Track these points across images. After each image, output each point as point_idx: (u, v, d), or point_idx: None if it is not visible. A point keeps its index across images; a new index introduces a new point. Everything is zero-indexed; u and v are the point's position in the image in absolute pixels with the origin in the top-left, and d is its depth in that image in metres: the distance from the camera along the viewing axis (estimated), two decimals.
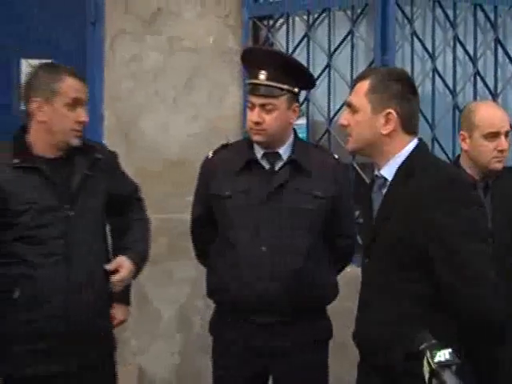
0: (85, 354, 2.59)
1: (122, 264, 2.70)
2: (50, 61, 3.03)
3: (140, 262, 2.80)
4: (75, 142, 2.61)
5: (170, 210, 4.17)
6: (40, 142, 2.60)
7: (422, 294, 2.10)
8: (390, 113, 2.18)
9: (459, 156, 3.05)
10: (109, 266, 2.67)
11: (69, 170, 2.61)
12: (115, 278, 2.65)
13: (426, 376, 1.65)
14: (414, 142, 2.22)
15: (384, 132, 2.19)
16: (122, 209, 2.89)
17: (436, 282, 2.07)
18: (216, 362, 2.88)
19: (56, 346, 2.53)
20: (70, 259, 2.55)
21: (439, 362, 1.63)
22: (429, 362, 1.64)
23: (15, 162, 2.53)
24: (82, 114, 2.60)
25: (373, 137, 2.20)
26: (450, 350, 1.65)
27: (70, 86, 2.56)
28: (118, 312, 3.10)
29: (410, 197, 2.12)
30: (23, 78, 4.40)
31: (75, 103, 2.58)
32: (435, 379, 1.62)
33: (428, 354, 1.66)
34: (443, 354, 1.64)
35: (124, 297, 3.09)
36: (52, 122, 2.56)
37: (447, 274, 2.05)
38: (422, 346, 1.70)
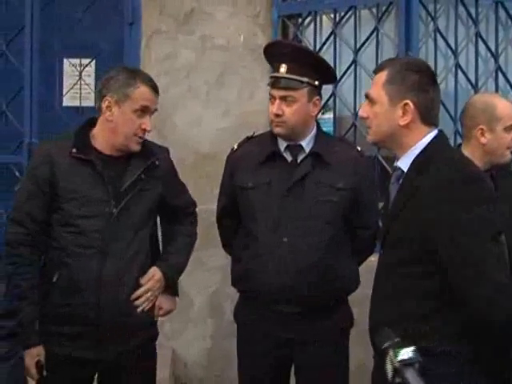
0: (118, 345, 2.61)
1: (154, 274, 2.73)
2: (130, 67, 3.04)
3: (172, 274, 2.81)
4: (135, 147, 2.62)
5: (201, 201, 4.17)
6: (102, 138, 2.64)
7: (430, 289, 2.04)
8: (407, 104, 2.12)
9: (460, 146, 2.98)
10: (143, 280, 2.69)
11: (123, 169, 2.62)
12: (140, 291, 2.67)
13: (389, 374, 1.62)
14: (432, 134, 2.16)
15: (402, 123, 2.13)
16: (171, 219, 2.88)
17: (443, 278, 2.01)
18: (240, 350, 2.88)
19: (88, 333, 2.56)
20: (105, 254, 2.56)
21: (402, 361, 1.60)
22: (391, 361, 1.61)
23: (73, 151, 2.58)
24: (146, 123, 2.61)
25: (391, 128, 2.15)
26: (412, 348, 1.62)
27: (142, 93, 2.58)
28: (164, 302, 3.09)
29: (421, 192, 2.06)
30: (64, 76, 4.67)
31: (143, 111, 2.59)
32: (398, 377, 1.60)
33: (391, 352, 1.63)
34: (406, 353, 1.61)
35: (171, 287, 3.08)
36: (117, 123, 2.58)
37: (450, 274, 1.99)
38: (385, 345, 1.66)
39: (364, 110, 2.23)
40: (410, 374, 1.59)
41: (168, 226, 2.92)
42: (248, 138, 2.94)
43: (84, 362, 2.61)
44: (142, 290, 2.69)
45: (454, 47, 4.08)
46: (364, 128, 3.97)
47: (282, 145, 2.78)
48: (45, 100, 4.57)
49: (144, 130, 2.62)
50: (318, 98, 2.76)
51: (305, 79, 2.69)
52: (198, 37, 4.43)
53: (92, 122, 2.70)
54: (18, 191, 2.74)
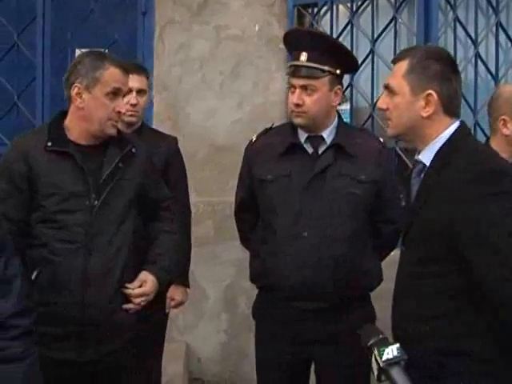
0: (103, 345, 2.50)
1: (146, 279, 2.60)
2: (100, 50, 2.98)
3: (163, 276, 2.67)
4: (111, 131, 2.51)
5: (216, 194, 4.19)
6: (76, 128, 2.52)
7: (453, 287, 1.98)
8: (430, 94, 2.04)
9: (488, 140, 2.89)
10: (131, 285, 2.56)
11: (101, 159, 2.52)
12: (136, 291, 2.55)
13: (375, 373, 1.62)
14: (454, 125, 2.09)
15: (424, 114, 2.06)
16: (150, 215, 2.75)
17: (469, 276, 1.94)
18: (259, 347, 2.81)
19: (73, 332, 2.46)
20: (89, 248, 2.46)
21: (387, 360, 1.59)
22: (377, 360, 1.61)
23: (48, 145, 2.47)
24: (120, 105, 2.50)
25: (413, 120, 2.07)
26: (397, 345, 1.61)
27: (112, 75, 2.47)
28: (175, 293, 3.14)
29: (444, 187, 1.99)
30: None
31: (115, 93, 2.48)
32: (384, 376, 1.59)
33: (376, 351, 1.62)
34: (391, 351, 1.61)
35: (182, 279, 3.10)
36: (89, 110, 2.47)
37: (481, 269, 1.92)
38: (370, 343, 1.65)
39: (383, 102, 2.15)
40: (396, 373, 1.58)
41: (147, 223, 2.78)
42: (267, 130, 2.85)
43: (68, 363, 2.49)
44: (136, 292, 2.56)
45: (473, 37, 4.01)
46: (381, 119, 3.98)
47: (303, 136, 2.69)
48: (57, 91, 4.49)
49: (119, 113, 2.52)
50: (339, 87, 2.67)
51: (326, 68, 2.59)
52: (213, 27, 4.37)
53: (64, 114, 2.58)
54: None
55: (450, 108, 2.10)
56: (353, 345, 2.61)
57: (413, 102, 2.08)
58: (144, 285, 2.59)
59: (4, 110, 4.62)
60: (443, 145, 2.07)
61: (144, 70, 3.23)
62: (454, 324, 1.99)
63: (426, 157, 2.10)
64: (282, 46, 4.21)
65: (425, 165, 2.11)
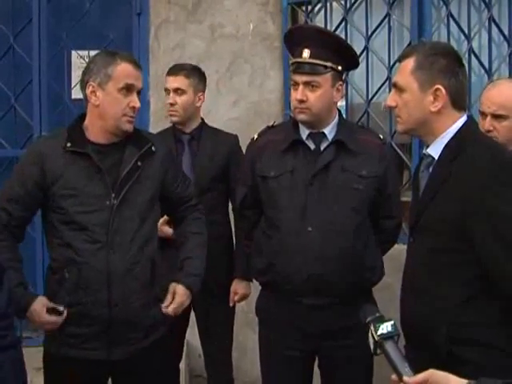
0: (131, 344, 2.47)
1: (175, 291, 2.57)
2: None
3: (192, 280, 2.63)
4: (127, 126, 2.46)
5: None
6: (93, 127, 2.48)
7: (465, 277, 1.96)
8: (438, 89, 2.03)
9: None
10: (166, 302, 2.55)
11: (119, 158, 2.48)
12: (170, 308, 2.54)
13: (372, 347, 1.72)
14: (462, 119, 2.08)
15: (433, 109, 2.04)
16: (176, 213, 2.73)
17: (481, 265, 1.93)
18: (263, 343, 2.76)
19: (102, 331, 2.42)
20: (111, 247, 2.41)
21: (381, 335, 1.69)
22: (373, 335, 1.71)
23: (68, 145, 2.43)
24: (134, 100, 2.45)
25: (422, 115, 2.06)
26: (392, 322, 1.71)
27: (123, 71, 2.42)
28: (240, 287, 3.26)
29: (455, 180, 1.97)
30: (73, 68, 4.50)
31: (128, 89, 2.44)
32: (379, 349, 1.70)
33: (372, 326, 1.71)
34: (385, 327, 1.70)
35: (244, 272, 3.19)
36: (104, 107, 2.43)
37: (495, 259, 1.91)
38: (368, 319, 1.74)
39: (392, 99, 2.13)
40: (390, 346, 1.68)
41: (176, 227, 2.78)
42: (268, 128, 2.80)
43: (95, 363, 2.44)
44: (171, 309, 2.56)
45: (466, 32, 3.93)
46: (377, 115, 3.91)
47: (304, 133, 2.64)
48: (54, 93, 4.41)
49: (133, 108, 2.46)
50: (340, 83, 2.63)
51: (328, 64, 2.55)
52: (207, 26, 4.30)
53: (83, 116, 2.54)
54: (5, 186, 2.53)
55: (458, 102, 2.08)
56: (357, 339, 2.55)
57: (421, 97, 2.06)
58: (176, 297, 2.57)
59: (1, 113, 4.51)
60: (452, 138, 2.06)
61: (181, 70, 3.37)
62: (467, 313, 1.97)
63: (435, 150, 2.08)
64: (276, 43, 4.19)
65: (433, 158, 2.09)
